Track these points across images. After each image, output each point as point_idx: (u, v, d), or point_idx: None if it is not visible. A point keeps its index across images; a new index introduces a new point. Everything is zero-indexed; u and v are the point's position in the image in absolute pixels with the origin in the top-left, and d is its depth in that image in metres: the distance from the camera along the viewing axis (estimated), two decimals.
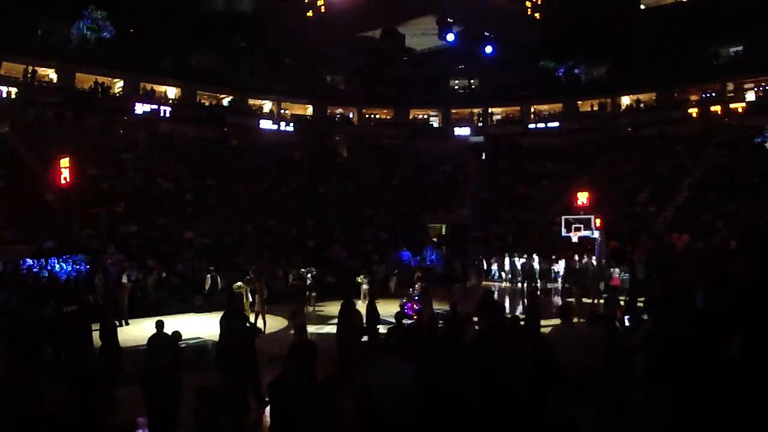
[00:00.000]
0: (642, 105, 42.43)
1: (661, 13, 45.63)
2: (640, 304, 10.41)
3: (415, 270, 26.09)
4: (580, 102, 44.82)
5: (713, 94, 39.27)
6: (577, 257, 25.99)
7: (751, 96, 37.94)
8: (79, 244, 23.85)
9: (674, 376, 4.72)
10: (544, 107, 46.46)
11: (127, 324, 18.00)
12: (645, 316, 9.42)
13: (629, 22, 45.90)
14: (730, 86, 38.47)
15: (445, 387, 6.22)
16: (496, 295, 21.00)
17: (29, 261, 21.31)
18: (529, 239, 32.89)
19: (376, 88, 46.90)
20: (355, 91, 47.10)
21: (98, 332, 11.41)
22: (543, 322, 11.71)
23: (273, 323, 17.60)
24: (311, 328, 14.18)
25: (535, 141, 43.77)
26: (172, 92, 40.28)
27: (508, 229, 35.37)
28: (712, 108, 38.15)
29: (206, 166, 35.22)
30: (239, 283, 18.08)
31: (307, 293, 22.06)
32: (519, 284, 27.70)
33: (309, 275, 23.09)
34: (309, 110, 46.26)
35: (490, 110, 47.56)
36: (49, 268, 21.39)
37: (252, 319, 15.61)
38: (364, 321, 13.06)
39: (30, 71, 33.78)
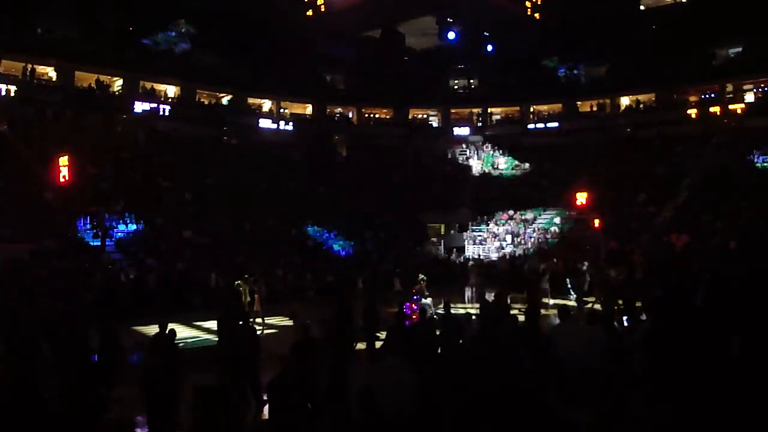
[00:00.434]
0: (641, 105, 42.45)
1: (660, 14, 45.65)
2: (639, 305, 10.44)
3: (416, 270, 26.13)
4: (579, 102, 44.81)
5: (712, 95, 39.31)
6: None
7: (750, 97, 37.98)
8: (77, 243, 23.84)
9: (673, 376, 4.73)
10: (544, 107, 46.46)
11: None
12: (643, 317, 9.45)
13: (629, 22, 45.94)
14: (730, 87, 38.51)
15: (445, 386, 6.24)
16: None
17: None
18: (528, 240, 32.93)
19: (375, 87, 46.90)
20: (355, 91, 47.11)
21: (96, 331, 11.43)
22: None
23: (273, 322, 17.61)
24: None
25: (535, 141, 43.76)
26: (171, 91, 40.25)
27: (507, 230, 35.35)
28: (712, 109, 38.20)
29: (205, 165, 35.18)
30: (238, 281, 18.12)
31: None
32: None
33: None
34: (308, 109, 46.24)
35: (489, 110, 47.55)
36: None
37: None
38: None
39: (29, 69, 33.73)
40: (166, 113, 37.84)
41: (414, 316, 14.87)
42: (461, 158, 44.04)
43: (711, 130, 36.60)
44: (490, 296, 23.66)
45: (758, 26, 36.57)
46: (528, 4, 47.67)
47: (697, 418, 4.23)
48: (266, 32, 45.52)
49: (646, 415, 4.91)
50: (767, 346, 3.88)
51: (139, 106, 36.77)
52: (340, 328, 12.27)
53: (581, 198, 29.93)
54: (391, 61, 48.13)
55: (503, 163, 41.70)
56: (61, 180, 24.68)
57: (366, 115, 48.02)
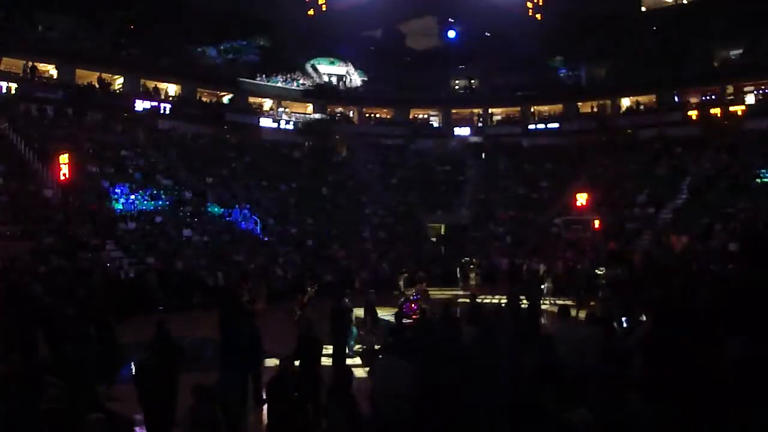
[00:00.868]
0: (642, 107, 42.45)
1: (661, 16, 45.65)
2: (638, 306, 10.44)
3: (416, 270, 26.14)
4: (580, 103, 44.80)
5: (713, 97, 39.29)
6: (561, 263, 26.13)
7: (750, 99, 37.96)
8: (77, 241, 23.83)
9: (672, 378, 4.71)
10: (544, 108, 46.46)
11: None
12: (643, 318, 9.45)
13: (630, 24, 45.94)
14: (730, 89, 38.48)
15: (444, 387, 6.24)
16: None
17: None
18: (528, 240, 32.95)
19: (376, 87, 46.91)
20: (356, 90, 47.09)
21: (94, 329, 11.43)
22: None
23: (272, 322, 17.57)
24: None
25: (535, 142, 43.77)
26: (172, 89, 40.25)
27: (507, 230, 35.39)
28: (712, 110, 38.16)
29: (206, 164, 35.22)
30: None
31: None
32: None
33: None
34: (309, 109, 46.24)
35: (490, 111, 47.55)
36: None
37: None
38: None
39: (30, 67, 33.72)
40: (167, 112, 37.79)
41: (414, 316, 14.88)
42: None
43: (711, 131, 36.57)
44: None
45: (758, 28, 36.60)
46: (529, 5, 47.62)
47: (696, 421, 4.22)
48: (267, 31, 45.60)
49: (645, 417, 4.90)
50: (766, 348, 3.87)
51: (140, 105, 36.71)
52: (338, 327, 12.27)
53: (581, 199, 29.96)
54: (392, 61, 48.13)
55: None
56: (62, 178, 24.71)
57: (367, 115, 48.02)
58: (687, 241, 26.85)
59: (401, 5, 45.04)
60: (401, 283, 25.94)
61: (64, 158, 24.64)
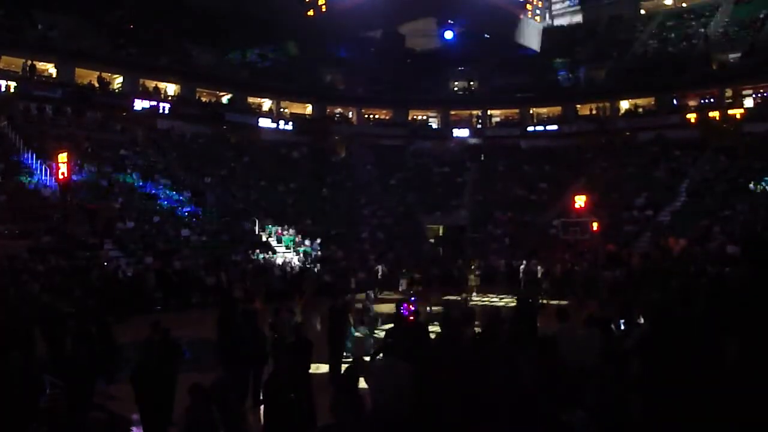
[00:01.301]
0: (640, 109, 42.49)
1: (659, 18, 45.73)
2: (636, 308, 10.44)
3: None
4: (579, 105, 44.82)
5: (711, 100, 39.33)
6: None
7: (749, 102, 38.01)
8: (75, 240, 23.82)
9: (670, 380, 4.72)
10: (543, 110, 46.48)
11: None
12: (641, 320, 9.45)
13: (629, 26, 46.07)
14: (729, 92, 38.52)
15: (443, 389, 6.23)
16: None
17: None
18: (526, 242, 32.95)
19: (375, 88, 46.94)
20: (355, 91, 47.12)
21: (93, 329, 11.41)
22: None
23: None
24: None
25: (534, 144, 43.79)
26: (171, 89, 40.24)
27: (506, 231, 35.39)
28: (711, 113, 38.20)
29: (204, 164, 35.23)
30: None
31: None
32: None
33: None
34: (308, 109, 46.26)
35: (489, 112, 47.58)
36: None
37: None
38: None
39: (29, 65, 33.70)
40: (166, 111, 37.77)
41: (411, 317, 14.86)
42: None
43: (710, 134, 36.62)
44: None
45: (757, 31, 36.69)
46: (528, 7, 47.70)
47: (694, 423, 4.23)
48: (266, 31, 45.58)
49: (643, 419, 4.90)
50: (765, 350, 3.88)
51: (139, 104, 36.70)
52: (335, 327, 12.28)
53: (580, 201, 29.98)
54: (391, 61, 48.15)
55: None
56: (60, 177, 24.71)
57: (366, 116, 48.05)
58: (685, 243, 26.88)
59: (401, 6, 44.99)
60: (404, 283, 26.01)
61: (62, 157, 24.64)
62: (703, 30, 41.16)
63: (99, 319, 11.82)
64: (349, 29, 46.28)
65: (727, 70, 38.44)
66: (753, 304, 4.00)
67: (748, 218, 27.44)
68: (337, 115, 47.19)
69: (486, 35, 47.40)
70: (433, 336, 9.03)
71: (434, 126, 48.55)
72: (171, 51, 39.74)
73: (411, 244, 34.54)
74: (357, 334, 14.44)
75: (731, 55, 39.03)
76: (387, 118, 48.39)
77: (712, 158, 34.94)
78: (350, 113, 47.69)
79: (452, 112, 48.14)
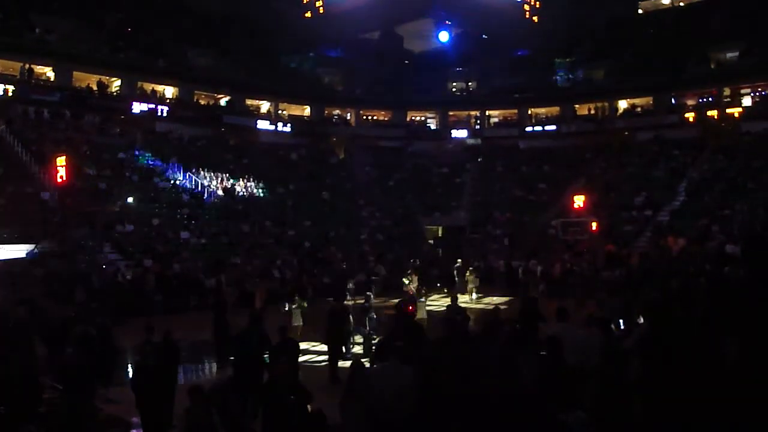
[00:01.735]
0: (639, 109, 42.50)
1: (658, 18, 45.75)
2: (636, 308, 10.45)
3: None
4: (577, 105, 44.83)
5: (710, 99, 39.34)
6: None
7: (747, 101, 38.02)
8: (74, 243, 23.80)
9: (670, 379, 4.71)
10: (542, 110, 46.49)
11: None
12: (640, 320, 9.45)
13: (627, 26, 46.06)
14: (727, 91, 38.54)
15: (444, 390, 6.23)
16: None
17: None
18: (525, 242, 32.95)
19: (373, 89, 46.95)
20: (353, 93, 47.12)
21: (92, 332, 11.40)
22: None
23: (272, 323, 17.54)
24: None
25: (532, 144, 43.80)
26: (169, 92, 40.22)
27: (505, 232, 35.38)
28: (709, 113, 38.22)
29: (203, 166, 35.18)
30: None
31: None
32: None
33: None
34: (306, 111, 46.25)
35: (487, 113, 47.58)
36: None
37: None
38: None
39: (27, 69, 33.67)
40: (164, 114, 37.76)
41: (410, 307, 14.85)
42: None
43: (708, 133, 36.63)
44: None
45: (755, 30, 36.68)
46: (526, 7, 47.69)
47: (693, 423, 4.22)
48: (264, 33, 45.62)
49: (642, 419, 4.90)
50: (765, 350, 3.87)
51: (137, 107, 36.68)
52: (335, 329, 12.28)
53: (579, 201, 29.97)
54: (389, 63, 48.17)
55: None
56: (59, 180, 24.69)
57: (364, 117, 48.05)
58: (684, 243, 26.88)
59: (399, 7, 45.06)
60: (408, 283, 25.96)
61: (61, 160, 24.64)
62: (701, 29, 41.13)
63: (98, 322, 11.80)
64: (346, 31, 46.32)
65: (725, 69, 38.46)
66: (752, 304, 4.00)
67: (747, 217, 27.45)
68: (336, 117, 47.18)
69: (484, 36, 47.44)
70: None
71: (433, 127, 48.55)
72: (169, 54, 39.71)
73: (410, 245, 34.51)
74: (357, 335, 14.45)
75: (729, 54, 39.05)
76: (385, 119, 48.40)
77: (711, 157, 34.96)
78: (348, 115, 47.69)
79: (451, 113, 48.14)
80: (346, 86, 47.74)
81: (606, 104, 43.39)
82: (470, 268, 26.32)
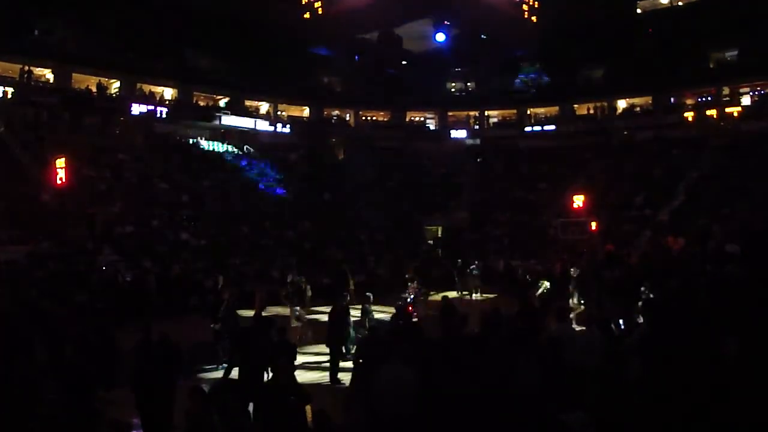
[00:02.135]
0: (638, 108, 42.50)
1: (657, 18, 45.73)
2: (635, 308, 10.45)
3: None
4: (576, 105, 44.83)
5: (709, 98, 39.35)
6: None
7: (746, 100, 38.03)
8: (74, 244, 23.78)
9: (670, 378, 4.72)
10: (541, 110, 46.50)
11: None
12: (640, 320, 9.46)
13: (626, 26, 46.04)
14: (726, 90, 38.55)
15: (444, 389, 6.24)
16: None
17: None
18: (525, 242, 32.97)
19: (372, 90, 46.95)
20: (352, 93, 47.12)
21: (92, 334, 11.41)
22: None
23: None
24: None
25: (532, 144, 43.83)
26: (168, 93, 40.21)
27: (504, 232, 35.39)
28: (708, 112, 38.23)
29: (202, 167, 35.20)
30: None
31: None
32: None
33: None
34: (305, 112, 46.24)
35: (486, 113, 47.58)
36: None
37: None
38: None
39: (26, 71, 33.65)
40: (163, 115, 37.75)
41: (415, 317, 14.88)
42: None
43: (707, 133, 36.64)
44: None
45: (754, 29, 36.71)
46: (524, 7, 47.65)
47: (694, 421, 4.22)
48: (263, 34, 45.57)
49: (643, 417, 4.90)
50: (765, 349, 3.88)
51: (136, 108, 36.67)
52: (335, 330, 12.28)
53: (578, 200, 29.96)
54: (388, 63, 48.14)
55: None
56: (58, 182, 24.67)
57: (363, 118, 48.05)
58: (684, 242, 26.86)
59: (397, 8, 44.99)
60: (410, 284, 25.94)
61: (60, 162, 24.61)
62: (700, 28, 41.13)
63: (98, 324, 11.80)
64: (345, 31, 46.25)
65: (724, 68, 38.47)
66: (752, 303, 4.00)
67: (747, 217, 27.44)
68: (335, 118, 47.19)
69: (483, 36, 47.38)
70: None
71: (432, 127, 48.55)
72: (167, 55, 39.68)
73: (410, 245, 34.49)
74: (358, 336, 14.43)
75: (728, 54, 39.07)
76: (384, 119, 48.42)
77: (711, 157, 34.97)
78: (348, 115, 47.70)
79: (450, 113, 48.17)
80: (345, 87, 47.73)
81: (605, 104, 43.41)
82: (471, 268, 26.34)
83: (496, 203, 38.34)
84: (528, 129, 45.16)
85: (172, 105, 39.46)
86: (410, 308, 16.37)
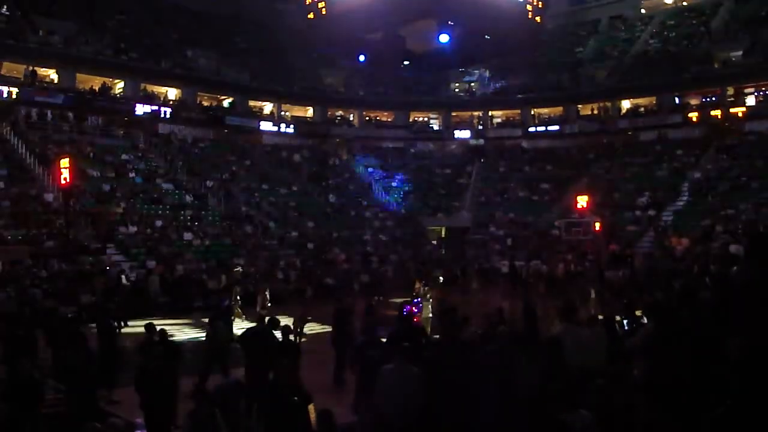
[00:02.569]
0: (642, 109, 42.39)
1: (660, 17, 45.68)
2: (640, 308, 10.41)
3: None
4: (580, 106, 44.72)
5: (713, 99, 39.21)
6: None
7: (751, 100, 37.89)
8: (78, 245, 23.83)
9: (674, 379, 4.71)
10: (545, 110, 46.41)
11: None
12: (644, 320, 9.43)
13: (629, 25, 46.04)
14: (731, 90, 38.41)
15: (448, 389, 6.24)
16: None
17: None
18: (528, 243, 32.94)
19: (376, 90, 46.97)
20: (356, 94, 47.14)
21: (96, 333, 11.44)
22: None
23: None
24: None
25: (535, 144, 43.79)
26: (172, 93, 40.24)
27: (508, 232, 35.36)
28: (712, 112, 38.09)
29: (206, 168, 35.26)
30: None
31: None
32: None
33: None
34: (309, 112, 46.27)
35: (490, 113, 47.52)
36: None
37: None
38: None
39: (30, 71, 33.71)
40: (167, 116, 37.78)
41: (415, 318, 14.84)
42: None
43: (712, 133, 36.53)
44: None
45: (758, 29, 36.62)
46: (529, 7, 47.63)
47: (698, 422, 4.21)
48: (267, 34, 45.67)
49: (647, 419, 4.89)
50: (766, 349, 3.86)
51: (140, 109, 36.68)
52: (340, 331, 12.25)
53: (582, 201, 29.91)
54: (392, 63, 48.15)
55: None
56: (62, 182, 24.71)
57: (367, 118, 48.05)
58: (688, 243, 26.84)
59: (401, 8, 45.03)
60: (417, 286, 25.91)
61: (64, 162, 24.63)
62: (704, 28, 41.05)
63: (102, 323, 11.82)
64: (349, 32, 46.29)
65: (728, 68, 38.34)
66: (756, 304, 3.98)
67: (751, 217, 27.38)
68: (339, 118, 47.20)
69: (486, 36, 47.40)
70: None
71: (435, 127, 48.50)
72: (171, 55, 39.75)
73: (413, 246, 34.53)
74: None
75: (733, 54, 38.91)
76: (388, 120, 48.40)
77: (715, 157, 34.88)
78: (351, 116, 47.67)
79: (453, 114, 48.10)
80: (349, 87, 47.74)
81: (609, 104, 43.28)
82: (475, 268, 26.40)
83: (499, 203, 38.33)
84: (532, 129, 45.05)
85: (176, 105, 39.46)
86: (413, 309, 16.36)
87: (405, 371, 6.66)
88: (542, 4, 48.27)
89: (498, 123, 47.84)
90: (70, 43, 35.12)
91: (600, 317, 9.27)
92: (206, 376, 10.66)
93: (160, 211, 29.15)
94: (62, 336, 11.57)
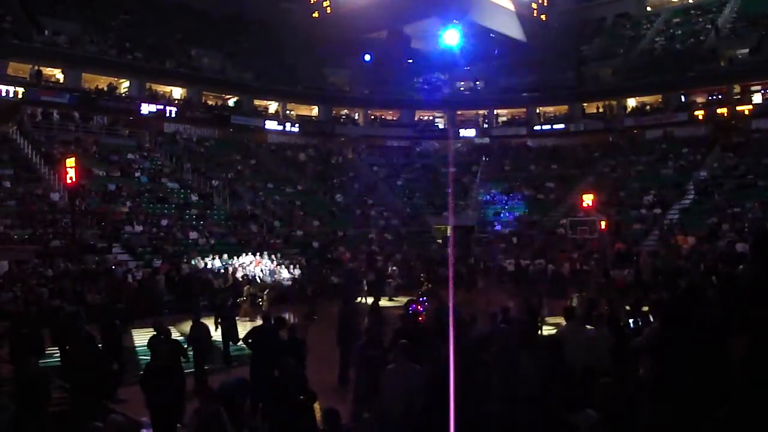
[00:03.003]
0: (648, 107, 42.25)
1: (666, 15, 45.55)
2: (646, 307, 10.38)
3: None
4: (585, 104, 44.62)
5: (719, 97, 39.04)
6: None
7: (757, 98, 37.73)
8: (84, 244, 23.90)
9: (680, 379, 4.69)
10: (550, 109, 46.32)
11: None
12: (651, 319, 9.41)
13: (635, 23, 45.91)
14: (737, 88, 38.26)
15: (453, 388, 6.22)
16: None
17: None
18: (533, 241, 32.89)
19: (381, 89, 46.92)
20: (361, 93, 47.13)
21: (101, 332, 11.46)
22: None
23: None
24: None
25: (541, 142, 43.71)
26: (177, 93, 40.33)
27: (513, 231, 35.30)
28: (719, 110, 37.95)
29: (211, 167, 35.32)
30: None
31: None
32: None
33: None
34: (314, 111, 46.29)
35: (495, 112, 47.45)
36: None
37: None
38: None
39: (36, 71, 33.82)
40: (173, 115, 37.86)
41: (420, 318, 14.82)
42: None
43: (718, 131, 36.40)
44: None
45: (765, 27, 36.47)
46: (534, 6, 47.53)
47: (703, 422, 4.20)
48: (272, 33, 45.68)
49: (653, 418, 4.88)
50: None
51: (146, 108, 36.77)
52: (345, 331, 12.25)
53: (587, 199, 29.85)
54: (397, 62, 48.07)
55: None
56: (68, 181, 24.77)
57: (372, 117, 48.04)
58: (694, 241, 26.76)
59: (406, 7, 44.96)
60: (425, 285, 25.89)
61: (70, 162, 24.68)
62: (710, 26, 40.90)
63: (108, 322, 11.85)
64: (354, 31, 46.26)
65: (735, 66, 38.19)
66: (762, 303, 3.96)
67: (757, 215, 27.29)
68: (344, 117, 47.21)
69: (492, 34, 47.28)
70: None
71: (441, 126, 48.44)
72: (176, 55, 39.83)
73: (419, 244, 34.52)
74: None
75: (739, 51, 38.75)
76: (393, 118, 48.38)
77: (721, 155, 34.76)
78: (356, 114, 47.69)
79: (459, 112, 48.03)
80: (354, 86, 47.72)
81: (614, 102, 43.15)
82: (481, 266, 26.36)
83: (504, 202, 38.25)
84: (537, 128, 44.96)
85: (181, 104, 39.53)
86: (419, 308, 16.33)
87: (407, 370, 6.66)
88: (547, 2, 48.17)
89: (503, 121, 47.78)
90: (76, 43, 35.24)
91: (605, 316, 9.25)
92: (203, 375, 10.72)
93: (165, 211, 29.23)
94: (68, 335, 11.62)
